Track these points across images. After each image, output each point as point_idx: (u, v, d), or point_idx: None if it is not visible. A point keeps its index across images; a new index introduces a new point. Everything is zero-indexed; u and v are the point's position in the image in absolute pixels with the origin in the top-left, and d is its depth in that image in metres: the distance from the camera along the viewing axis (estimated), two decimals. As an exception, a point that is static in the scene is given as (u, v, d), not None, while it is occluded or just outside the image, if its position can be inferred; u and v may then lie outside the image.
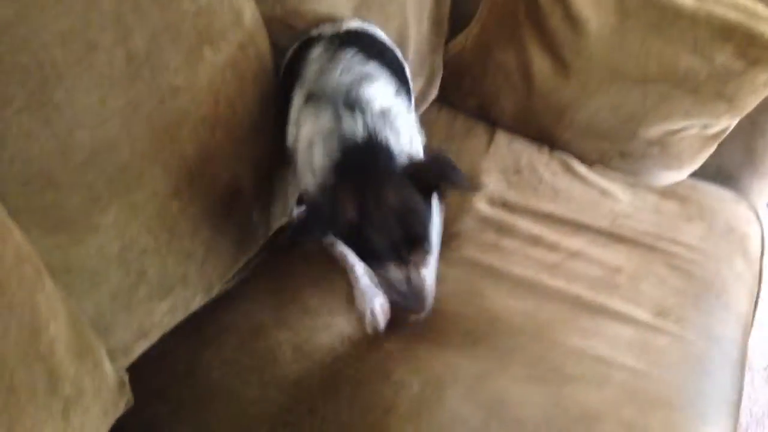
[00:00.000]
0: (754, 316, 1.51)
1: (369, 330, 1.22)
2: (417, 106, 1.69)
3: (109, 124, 0.91)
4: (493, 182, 1.54)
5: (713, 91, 1.49)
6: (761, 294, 1.56)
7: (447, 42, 1.77)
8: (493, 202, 1.50)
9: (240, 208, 1.21)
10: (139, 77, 0.94)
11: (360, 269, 1.25)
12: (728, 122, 1.56)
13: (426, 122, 1.66)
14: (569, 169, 1.62)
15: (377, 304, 1.22)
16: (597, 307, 1.29)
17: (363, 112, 1.04)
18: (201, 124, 1.07)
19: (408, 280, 1.03)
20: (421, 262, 1.02)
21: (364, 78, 1.10)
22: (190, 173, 1.07)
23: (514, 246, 1.40)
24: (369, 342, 1.19)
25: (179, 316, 1.12)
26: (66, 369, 0.84)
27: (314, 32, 1.26)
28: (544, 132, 1.66)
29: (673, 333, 1.27)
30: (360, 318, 1.23)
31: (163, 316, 1.08)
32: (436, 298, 1.10)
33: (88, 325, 0.91)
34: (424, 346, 1.18)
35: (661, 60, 1.48)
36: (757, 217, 1.67)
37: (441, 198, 1.07)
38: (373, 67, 1.15)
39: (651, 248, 1.45)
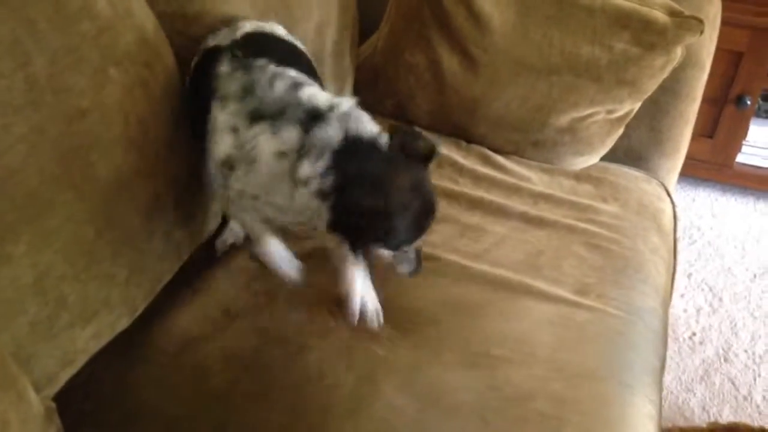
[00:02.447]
0: (672, 288, 1.58)
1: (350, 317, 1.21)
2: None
3: (14, 151, 0.89)
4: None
5: (615, 77, 1.56)
6: (677, 266, 1.64)
7: (359, 45, 1.79)
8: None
9: (160, 227, 1.19)
10: (42, 102, 0.92)
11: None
12: (632, 105, 1.64)
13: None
14: (488, 160, 1.67)
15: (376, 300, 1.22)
16: (520, 289, 1.32)
17: (328, 116, 1.01)
18: (113, 146, 1.05)
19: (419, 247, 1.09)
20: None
21: (298, 85, 1.07)
22: (106, 196, 1.05)
23: (439, 237, 1.41)
24: (297, 342, 1.19)
25: (104, 340, 1.10)
26: (-13, 405, 0.82)
27: (211, 42, 1.20)
28: (459, 127, 1.70)
29: (595, 308, 1.31)
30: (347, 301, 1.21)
31: (87, 341, 1.05)
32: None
33: (8, 358, 0.89)
34: (354, 343, 1.18)
35: (563, 51, 1.54)
36: (668, 194, 1.76)
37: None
38: (294, 72, 1.11)
39: (570, 229, 1.50)
